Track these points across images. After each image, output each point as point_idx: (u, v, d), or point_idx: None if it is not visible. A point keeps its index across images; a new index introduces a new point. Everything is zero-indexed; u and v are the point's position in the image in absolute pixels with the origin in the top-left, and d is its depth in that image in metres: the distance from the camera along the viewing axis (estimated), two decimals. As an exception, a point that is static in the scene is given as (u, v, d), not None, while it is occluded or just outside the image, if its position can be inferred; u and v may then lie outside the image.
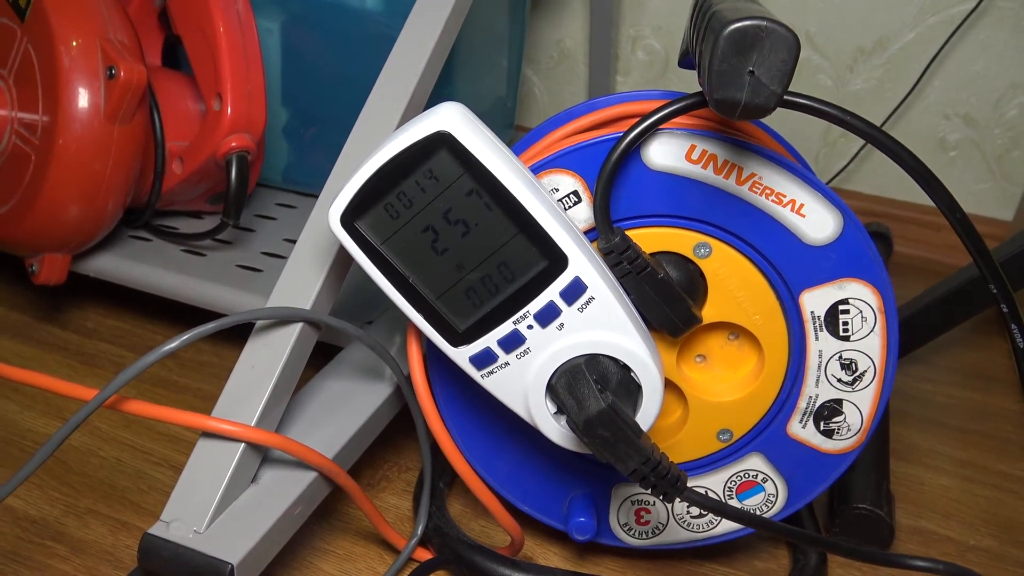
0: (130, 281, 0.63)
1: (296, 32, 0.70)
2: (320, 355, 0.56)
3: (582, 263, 0.39)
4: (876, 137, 0.39)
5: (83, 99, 0.54)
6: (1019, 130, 0.94)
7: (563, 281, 0.39)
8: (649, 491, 0.40)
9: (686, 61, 0.45)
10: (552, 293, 0.40)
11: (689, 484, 0.49)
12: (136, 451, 0.60)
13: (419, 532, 0.51)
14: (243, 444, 0.42)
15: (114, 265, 0.64)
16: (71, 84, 0.54)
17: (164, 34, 0.69)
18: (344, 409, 0.50)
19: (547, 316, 0.40)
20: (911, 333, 0.72)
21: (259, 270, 0.64)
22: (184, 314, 0.74)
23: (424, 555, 0.51)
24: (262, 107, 0.60)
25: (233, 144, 0.59)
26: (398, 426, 0.61)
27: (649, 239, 0.44)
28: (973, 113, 0.95)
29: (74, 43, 0.55)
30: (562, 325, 0.40)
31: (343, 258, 0.46)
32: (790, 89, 0.37)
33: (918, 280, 0.92)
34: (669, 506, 0.50)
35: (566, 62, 1.10)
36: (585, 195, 0.44)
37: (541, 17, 1.08)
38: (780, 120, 1.01)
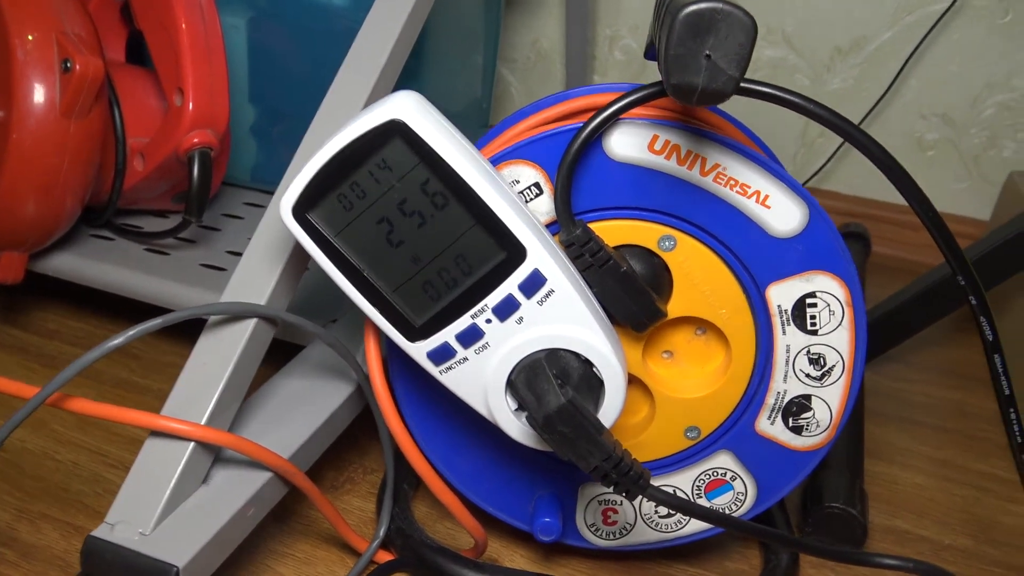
0: (90, 280, 0.62)
1: (262, 29, 0.69)
2: (282, 355, 0.55)
3: (541, 255, 0.38)
4: (834, 122, 0.38)
5: (38, 93, 0.53)
6: (996, 129, 0.94)
7: (521, 273, 0.38)
8: (612, 489, 0.39)
9: (651, 52, 0.44)
10: (510, 286, 0.39)
11: (657, 483, 0.48)
12: (93, 454, 0.58)
13: (381, 534, 0.50)
14: (192, 443, 0.40)
15: (74, 264, 0.62)
16: (25, 78, 0.53)
17: (128, 30, 0.68)
18: (303, 408, 0.49)
19: (506, 309, 0.39)
20: (886, 331, 0.71)
21: (223, 269, 0.63)
22: (148, 315, 0.73)
23: (386, 558, 0.50)
24: (225, 103, 0.59)
25: (195, 140, 0.58)
26: (363, 428, 0.60)
27: (612, 232, 0.43)
28: (950, 112, 0.95)
29: (29, 36, 0.54)
30: (521, 319, 0.39)
31: (300, 253, 0.45)
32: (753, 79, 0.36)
33: (896, 280, 0.91)
34: (636, 506, 0.49)
35: (543, 62, 1.10)
36: (547, 187, 0.43)
37: (517, 17, 1.08)
38: (755, 119, 1.01)
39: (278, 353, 0.55)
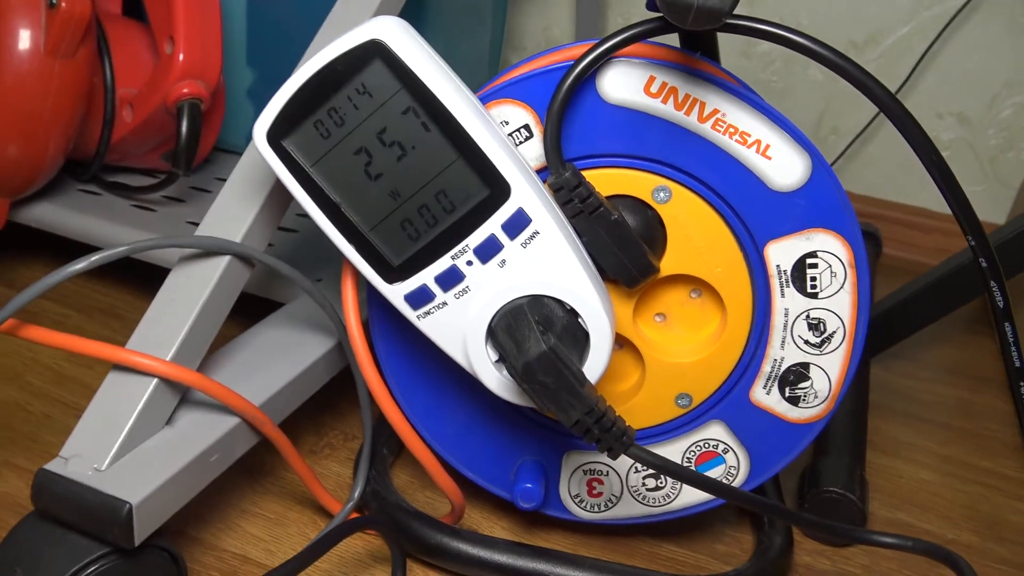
0: (74, 233, 0.60)
1: (263, -12, 0.68)
2: (264, 316, 0.53)
3: (526, 193, 0.36)
4: (825, 55, 0.36)
5: (22, 31, 0.52)
6: (1013, 131, 0.92)
7: (505, 212, 0.36)
8: (594, 446, 0.37)
9: (652, 3, 0.42)
10: (493, 225, 0.37)
11: (645, 453, 0.46)
12: (67, 407, 0.56)
13: (356, 496, 0.47)
14: (155, 379, 0.38)
15: (58, 216, 0.61)
16: (9, 14, 0.51)
17: (125, -17, 0.67)
18: (279, 358, 0.47)
19: (488, 251, 0.37)
20: (895, 323, 0.69)
21: (210, 227, 0.61)
22: (133, 274, 0.71)
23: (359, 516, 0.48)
24: (217, 55, 0.58)
25: (185, 90, 0.57)
26: (346, 393, 0.58)
27: (605, 180, 0.41)
28: (967, 112, 0.93)
29: (18, -26, 0.53)
30: (504, 262, 0.37)
31: (280, 191, 0.43)
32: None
33: (907, 281, 0.89)
34: (623, 477, 0.47)
35: (553, 51, 1.08)
36: (537, 130, 0.41)
37: (528, 4, 1.06)
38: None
39: (263, 315, 0.53)
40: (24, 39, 0.52)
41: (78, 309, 0.67)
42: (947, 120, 0.94)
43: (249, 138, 0.74)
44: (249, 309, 0.53)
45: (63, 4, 0.51)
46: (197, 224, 0.61)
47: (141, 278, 0.72)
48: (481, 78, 0.91)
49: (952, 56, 0.91)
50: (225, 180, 0.71)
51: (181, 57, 0.56)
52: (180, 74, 0.56)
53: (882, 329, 0.69)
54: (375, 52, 0.35)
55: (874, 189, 0.99)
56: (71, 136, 0.57)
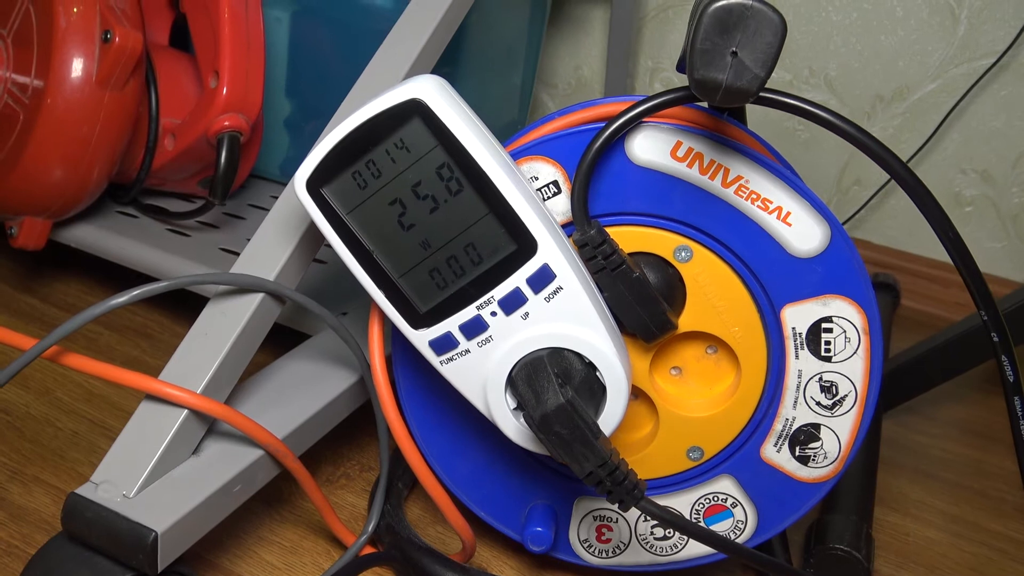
0: (110, 254, 0.62)
1: (305, 23, 0.70)
2: (289, 346, 0.54)
3: (552, 250, 0.38)
4: (851, 133, 0.37)
5: (76, 61, 0.54)
6: (1037, 190, 0.92)
7: (531, 267, 0.38)
8: (606, 497, 0.38)
9: (682, 65, 0.44)
10: (519, 279, 0.38)
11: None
12: (94, 425, 0.58)
13: (369, 529, 0.49)
14: (185, 411, 0.40)
15: (95, 236, 0.63)
16: (65, 45, 0.54)
17: (173, 15, 0.69)
18: (302, 392, 0.48)
19: (512, 303, 0.38)
20: (909, 380, 0.69)
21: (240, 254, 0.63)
22: (164, 296, 0.73)
23: (372, 552, 0.49)
24: (259, 90, 0.60)
25: (226, 123, 0.59)
26: (364, 425, 0.59)
27: (628, 238, 0.43)
28: (991, 169, 0.93)
29: (75, 8, 0.55)
30: (527, 314, 0.38)
31: (314, 232, 0.45)
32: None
33: (924, 334, 0.89)
34: (632, 525, 0.48)
35: (583, 89, 1.10)
36: (565, 186, 0.43)
37: (560, 43, 1.08)
38: (791, 161, 1.00)
39: (286, 346, 0.54)
40: (77, 69, 0.54)
41: (109, 327, 0.69)
42: (971, 176, 0.94)
43: (284, 167, 0.77)
44: (277, 337, 0.55)
45: (117, 39, 0.53)
46: (229, 250, 0.63)
47: (172, 300, 0.74)
48: (512, 114, 0.93)
49: (978, 114, 0.92)
50: (258, 207, 0.73)
51: (225, 91, 0.58)
52: (223, 108, 0.58)
53: (896, 385, 0.69)
54: (415, 110, 0.36)
55: (895, 241, 1.00)
56: (115, 163, 0.59)
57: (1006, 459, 0.70)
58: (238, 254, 0.63)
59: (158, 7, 0.68)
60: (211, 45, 0.59)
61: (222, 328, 0.42)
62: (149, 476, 0.39)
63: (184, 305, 0.73)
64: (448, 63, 0.73)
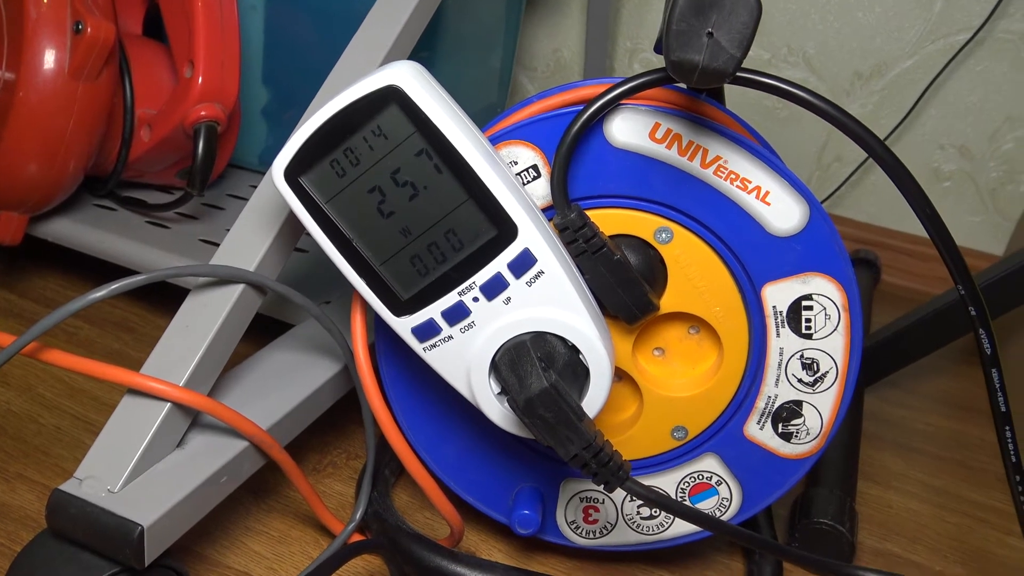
0: (88, 247, 0.62)
1: (280, 10, 0.69)
2: (272, 336, 0.54)
3: (533, 234, 0.38)
4: (827, 111, 0.37)
5: (48, 53, 0.53)
6: (1014, 164, 0.93)
7: (512, 252, 0.38)
8: (591, 479, 0.38)
9: (659, 46, 0.44)
10: (500, 264, 0.38)
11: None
12: (78, 420, 0.58)
13: (357, 517, 0.49)
14: (169, 404, 0.40)
15: (73, 230, 0.62)
16: (36, 37, 0.53)
17: (147, 4, 0.68)
18: (286, 382, 0.48)
19: (494, 288, 0.38)
20: (889, 355, 0.70)
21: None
22: (148, 289, 0.73)
23: (361, 539, 0.49)
24: (235, 78, 0.59)
25: (203, 113, 0.58)
26: (351, 412, 0.59)
27: (609, 220, 0.43)
28: (968, 144, 0.94)
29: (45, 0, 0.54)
30: (509, 299, 0.38)
31: (293, 222, 0.44)
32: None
33: (905, 310, 0.90)
34: (618, 506, 0.48)
35: (563, 72, 1.10)
36: (544, 170, 0.43)
37: (538, 25, 1.08)
38: (771, 139, 1.00)
39: (270, 335, 0.54)
40: (49, 62, 0.53)
41: (90, 321, 0.69)
42: (949, 152, 0.95)
43: (263, 156, 0.76)
44: (259, 326, 0.55)
45: (89, 29, 0.52)
46: (209, 242, 0.63)
47: (153, 292, 0.73)
48: (491, 97, 0.92)
49: (956, 90, 0.92)
50: (237, 197, 0.73)
51: (200, 81, 0.57)
52: (198, 97, 0.57)
53: (877, 359, 0.70)
54: (392, 97, 0.36)
55: (875, 217, 1.00)
56: (90, 156, 0.58)
57: (987, 430, 0.71)
58: (217, 244, 0.63)
59: (130, -4, 0.67)
60: (185, 34, 0.58)
61: (203, 320, 0.42)
62: (133, 470, 0.39)
63: (165, 297, 0.73)
64: (426, 47, 0.73)
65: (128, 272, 0.61)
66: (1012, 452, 0.42)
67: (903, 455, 0.67)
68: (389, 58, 0.49)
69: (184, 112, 0.58)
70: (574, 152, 0.42)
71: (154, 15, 0.69)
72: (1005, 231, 0.96)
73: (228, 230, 0.65)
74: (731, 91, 0.94)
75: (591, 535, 0.49)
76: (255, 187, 0.75)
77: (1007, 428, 0.42)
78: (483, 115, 0.92)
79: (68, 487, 0.38)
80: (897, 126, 0.95)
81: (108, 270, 0.64)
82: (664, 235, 0.43)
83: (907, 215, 0.99)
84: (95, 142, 0.58)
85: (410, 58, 0.52)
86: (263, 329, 0.56)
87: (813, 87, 0.97)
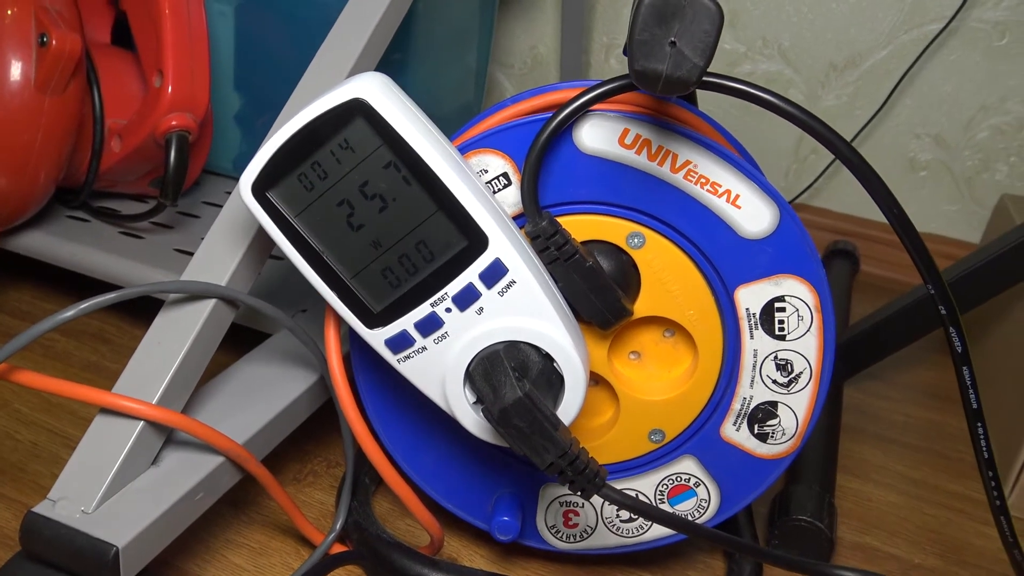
0: (62, 260, 0.61)
1: (250, 16, 0.69)
2: (249, 345, 0.54)
3: (503, 244, 0.37)
4: (792, 113, 0.37)
5: (13, 66, 0.53)
6: (989, 152, 0.93)
7: (483, 263, 0.38)
8: (567, 487, 0.38)
9: (627, 50, 0.44)
10: (471, 275, 0.38)
11: (619, 487, 0.48)
12: (55, 435, 0.57)
13: (337, 527, 0.49)
14: (142, 422, 0.40)
15: (47, 243, 0.61)
16: (0, 51, 0.52)
17: (113, 12, 0.67)
18: (262, 395, 0.48)
19: (466, 299, 0.38)
20: (866, 348, 0.70)
21: (196, 255, 0.62)
22: (124, 301, 0.72)
23: (341, 551, 0.49)
24: (206, 86, 0.59)
25: (173, 123, 0.58)
26: (330, 421, 0.59)
27: (580, 226, 0.43)
28: (944, 134, 0.94)
29: (8, 11, 0.54)
30: (481, 309, 0.38)
31: (264, 235, 0.44)
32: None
33: (884, 299, 0.91)
34: (598, 509, 0.48)
35: (539, 68, 1.09)
36: (515, 177, 0.43)
37: (514, 22, 1.07)
38: (748, 132, 1.00)
39: (247, 344, 0.54)
40: (15, 75, 0.53)
41: (66, 333, 0.68)
42: (924, 141, 0.95)
43: (237, 162, 0.76)
44: (236, 335, 0.54)
45: (54, 42, 0.52)
46: (185, 251, 0.62)
47: (129, 303, 0.72)
48: (468, 96, 0.92)
49: (930, 79, 0.93)
50: (213, 204, 0.72)
51: (170, 90, 0.57)
52: (169, 107, 0.57)
53: (855, 352, 0.70)
54: (357, 110, 0.36)
55: (852, 207, 1.01)
56: (60, 168, 0.58)
57: (963, 420, 0.71)
58: (193, 254, 0.62)
59: (97, 5, 0.66)
60: (153, 43, 0.58)
61: (175, 336, 0.42)
62: (108, 490, 0.39)
63: (142, 308, 0.72)
64: (398, 49, 0.72)
65: (102, 284, 0.60)
66: (984, 448, 0.42)
67: (882, 447, 0.67)
68: (360, 63, 0.49)
69: (155, 122, 0.58)
70: (544, 159, 0.42)
71: (122, 23, 0.69)
72: (981, 219, 0.97)
73: (204, 239, 0.65)
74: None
75: (572, 539, 0.49)
76: (230, 193, 0.75)
77: (979, 424, 0.42)
78: (460, 114, 0.91)
79: (42, 509, 0.38)
80: (873, 117, 0.95)
81: (83, 281, 0.63)
82: (636, 240, 0.43)
83: (884, 205, 0.99)
84: (65, 154, 0.57)
85: (383, 61, 0.52)
86: (239, 339, 0.55)
87: (788, 79, 0.98)
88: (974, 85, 0.91)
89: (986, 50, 0.89)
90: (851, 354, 0.70)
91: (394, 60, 0.72)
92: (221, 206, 0.72)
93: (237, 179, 0.77)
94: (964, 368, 0.41)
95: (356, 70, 0.49)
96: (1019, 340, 0.69)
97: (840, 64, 0.95)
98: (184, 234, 0.66)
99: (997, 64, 0.89)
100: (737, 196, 0.41)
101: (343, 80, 0.47)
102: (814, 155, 1.00)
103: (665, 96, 0.41)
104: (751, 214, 0.42)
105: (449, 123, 0.39)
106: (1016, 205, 0.86)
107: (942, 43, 0.91)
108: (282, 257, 0.65)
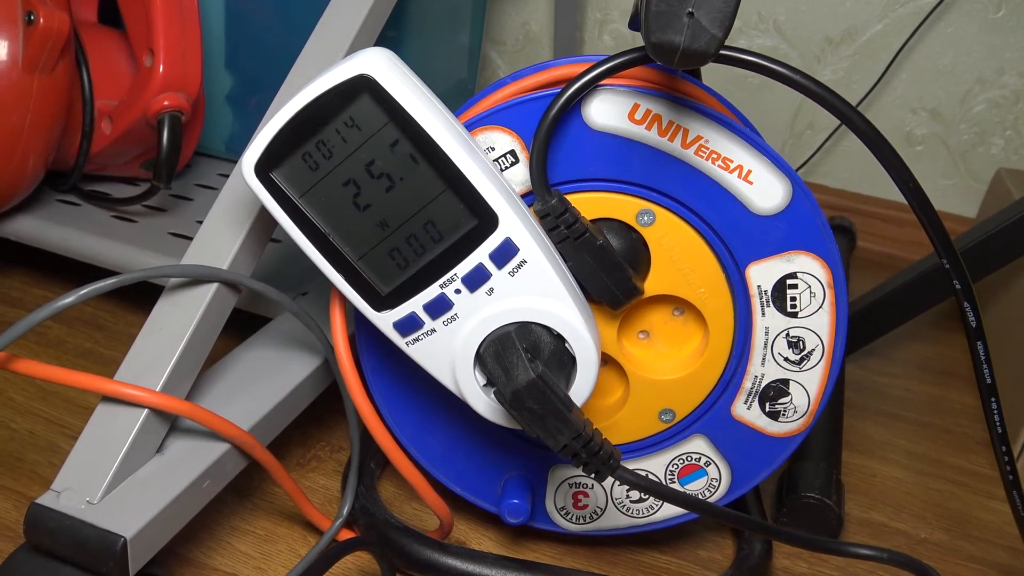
0: (54, 246, 0.60)
1: (241, -7, 0.67)
2: (252, 329, 0.53)
3: (514, 223, 0.37)
4: (813, 89, 0.36)
5: (-1, 46, 0.51)
6: (985, 126, 0.93)
7: (493, 242, 0.37)
8: (581, 469, 0.38)
9: (635, 22, 0.43)
10: (481, 255, 0.37)
11: (630, 467, 0.47)
12: (52, 424, 0.56)
13: (344, 512, 0.48)
14: (146, 410, 0.39)
15: (37, 228, 0.60)
16: (-14, 30, 0.51)
17: (101, -10, 0.66)
18: (266, 380, 0.47)
19: (476, 280, 0.37)
20: (869, 324, 0.70)
21: (191, 238, 0.61)
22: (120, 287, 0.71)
23: (350, 537, 0.48)
24: (197, 66, 0.57)
25: (165, 103, 0.56)
26: (333, 405, 0.58)
27: (590, 204, 0.42)
28: (940, 108, 0.94)
29: (-6, -11, 0.52)
30: (492, 290, 0.38)
31: (266, 216, 0.43)
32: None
33: (881, 275, 0.90)
34: (608, 490, 0.48)
35: (532, 45, 1.08)
36: (523, 155, 0.42)
37: (507, 1, 1.06)
38: (743, 108, 1.00)
39: (249, 328, 0.53)
40: (2, 55, 0.51)
41: (60, 320, 0.67)
42: (921, 115, 0.95)
43: (229, 143, 0.75)
44: (237, 319, 0.53)
45: (41, 20, 0.50)
46: (179, 235, 0.61)
47: (124, 288, 0.71)
48: (461, 74, 0.91)
49: (926, 53, 0.92)
50: (206, 186, 0.71)
51: (161, 70, 0.55)
52: (160, 87, 0.56)
53: (857, 328, 0.70)
54: (363, 87, 0.35)
55: (849, 183, 1.00)
56: (50, 151, 0.56)
57: (966, 394, 0.72)
58: (188, 238, 0.61)
59: (84, -18, 0.64)
60: (143, 22, 0.56)
61: (177, 322, 0.41)
62: (113, 480, 0.38)
63: (136, 294, 0.71)
64: (393, 27, 0.71)
65: (95, 269, 0.59)
66: (998, 424, 0.42)
67: (885, 423, 0.67)
68: (357, 41, 0.47)
69: (146, 103, 0.56)
70: (552, 136, 0.41)
71: (109, 1, 0.67)
72: (977, 193, 0.96)
73: (199, 222, 0.64)
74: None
75: (581, 520, 0.49)
76: (223, 175, 0.74)
77: (993, 400, 0.42)
78: (453, 92, 0.90)
79: (46, 500, 0.37)
80: (870, 91, 0.94)
81: (76, 266, 0.62)
82: (646, 218, 0.42)
83: (881, 181, 0.99)
84: (54, 136, 0.56)
85: (378, 39, 0.51)
86: (241, 323, 0.54)
87: (784, 54, 0.97)
88: (970, 59, 0.91)
89: (982, 23, 0.89)
90: (853, 330, 0.70)
91: (389, 38, 0.71)
92: (214, 188, 0.71)
93: (230, 160, 0.76)
94: (979, 343, 0.41)
95: (354, 47, 0.47)
96: (1020, 314, 0.69)
97: (836, 38, 0.94)
98: (178, 217, 0.64)
99: (993, 37, 0.89)
100: (749, 172, 0.41)
101: (345, 56, 0.46)
102: (810, 131, 0.99)
103: (680, 70, 0.41)
104: (763, 190, 0.41)
105: (443, 101, 0.39)
106: (1013, 179, 0.86)
107: (939, 16, 0.90)
108: (279, 239, 0.64)
